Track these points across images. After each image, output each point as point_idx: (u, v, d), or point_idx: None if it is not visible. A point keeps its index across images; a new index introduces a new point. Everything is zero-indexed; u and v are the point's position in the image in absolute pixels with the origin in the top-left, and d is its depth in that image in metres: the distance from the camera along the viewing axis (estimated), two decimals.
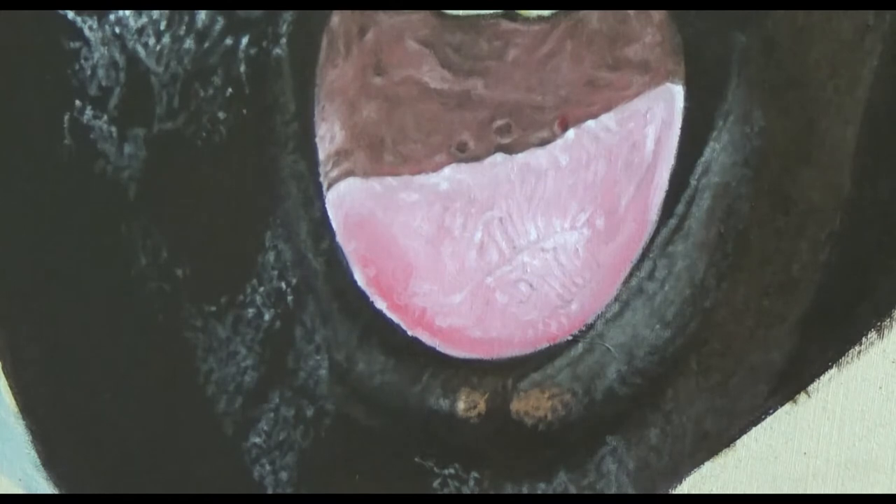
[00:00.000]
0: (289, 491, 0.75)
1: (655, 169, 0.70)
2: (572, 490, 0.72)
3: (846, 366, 0.70)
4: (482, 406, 0.72)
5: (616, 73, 0.71)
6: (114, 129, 0.74)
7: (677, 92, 0.70)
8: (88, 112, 0.74)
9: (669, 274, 0.70)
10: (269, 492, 0.75)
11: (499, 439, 0.72)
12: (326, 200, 0.73)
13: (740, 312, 0.71)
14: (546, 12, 0.71)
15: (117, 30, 0.74)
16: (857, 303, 0.70)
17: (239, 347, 0.75)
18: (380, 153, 0.73)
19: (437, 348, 0.72)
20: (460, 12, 0.72)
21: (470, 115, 0.72)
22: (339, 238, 0.73)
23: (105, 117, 0.74)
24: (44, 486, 0.78)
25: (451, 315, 0.72)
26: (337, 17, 0.73)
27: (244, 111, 0.74)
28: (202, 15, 0.73)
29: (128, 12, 0.73)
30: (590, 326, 0.71)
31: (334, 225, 0.73)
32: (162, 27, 0.73)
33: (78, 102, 0.74)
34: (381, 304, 0.73)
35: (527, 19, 0.71)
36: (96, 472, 0.78)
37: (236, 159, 0.74)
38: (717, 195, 0.70)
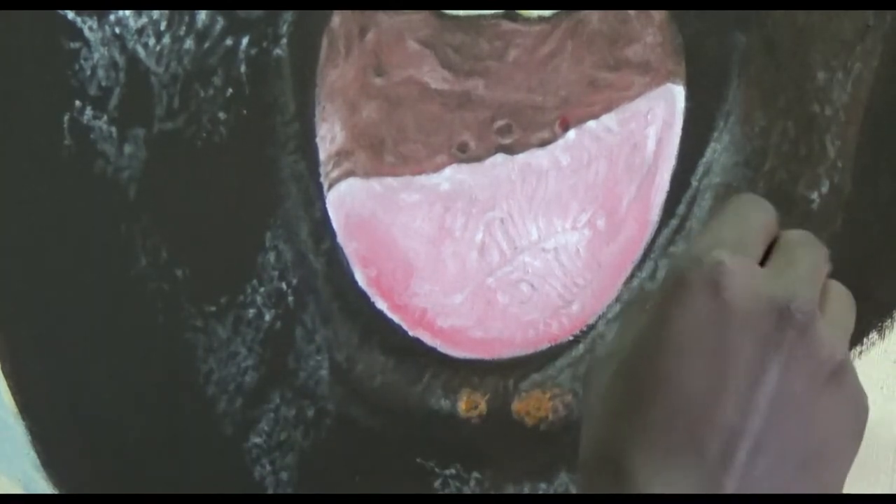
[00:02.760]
0: (289, 491, 0.75)
1: (657, 169, 0.70)
2: (573, 490, 0.72)
3: None
4: (483, 406, 0.72)
5: (617, 73, 0.71)
6: (114, 129, 0.74)
7: (678, 92, 0.70)
8: (88, 112, 0.74)
9: None
10: (270, 492, 0.75)
11: (500, 439, 0.72)
12: (327, 201, 0.73)
13: None
14: (546, 12, 0.71)
15: (117, 30, 0.74)
16: (858, 303, 0.70)
17: (239, 348, 0.75)
18: (380, 153, 0.73)
19: (438, 349, 0.72)
20: (461, 12, 0.71)
21: (471, 115, 0.72)
22: (340, 238, 0.73)
23: (105, 117, 0.74)
24: (44, 486, 0.78)
25: (452, 315, 0.72)
26: (337, 18, 0.73)
27: (244, 111, 0.74)
28: (202, 15, 0.73)
29: (128, 12, 0.73)
30: (591, 327, 0.71)
31: (335, 225, 0.73)
32: (162, 27, 0.73)
33: (78, 102, 0.74)
34: (381, 305, 0.73)
35: (527, 20, 0.71)
36: (96, 472, 0.78)
37: (236, 159, 0.74)
38: (718, 195, 0.70)
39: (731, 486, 0.49)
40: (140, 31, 0.73)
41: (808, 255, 0.53)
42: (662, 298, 0.51)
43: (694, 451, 0.49)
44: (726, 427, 0.49)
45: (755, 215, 0.54)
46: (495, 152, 0.72)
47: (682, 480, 0.49)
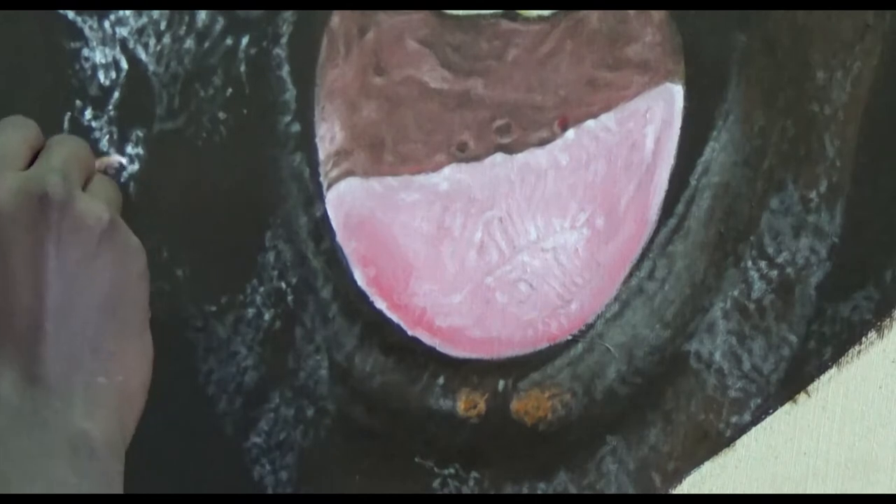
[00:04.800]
0: (289, 491, 0.75)
1: (655, 169, 0.70)
2: (572, 490, 0.72)
3: (846, 366, 0.70)
4: (482, 406, 0.72)
5: (616, 72, 0.71)
6: (114, 128, 0.74)
7: (677, 92, 0.70)
8: (88, 112, 0.74)
9: (669, 273, 0.70)
10: (269, 492, 0.75)
11: (499, 439, 0.72)
12: (326, 200, 0.73)
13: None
14: (546, 12, 0.71)
15: (117, 30, 0.74)
16: (857, 302, 0.70)
17: (239, 347, 0.75)
18: (380, 153, 0.73)
19: (438, 348, 0.72)
20: (460, 12, 0.72)
21: (470, 114, 0.72)
22: (339, 238, 0.73)
23: (105, 117, 0.74)
24: None
25: (451, 315, 0.72)
26: (337, 17, 0.73)
27: (244, 111, 0.74)
28: (202, 15, 0.73)
29: (128, 12, 0.74)
30: (590, 326, 0.71)
31: (334, 225, 0.73)
32: (162, 27, 0.73)
33: (78, 102, 0.74)
34: (381, 304, 0.73)
35: (527, 19, 0.71)
36: None
37: (236, 159, 0.74)
38: (717, 195, 0.70)
39: (49, 353, 0.60)
40: (140, 31, 0.74)
41: (60, 149, 0.64)
42: None
43: (9, 332, 0.60)
44: (26, 311, 0.60)
45: (13, 132, 0.64)
46: (494, 152, 0.72)
47: (6, 355, 0.60)
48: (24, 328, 0.60)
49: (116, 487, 0.61)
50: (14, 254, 0.60)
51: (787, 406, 0.71)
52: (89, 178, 0.65)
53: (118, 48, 0.74)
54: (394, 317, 0.73)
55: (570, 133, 0.71)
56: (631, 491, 0.72)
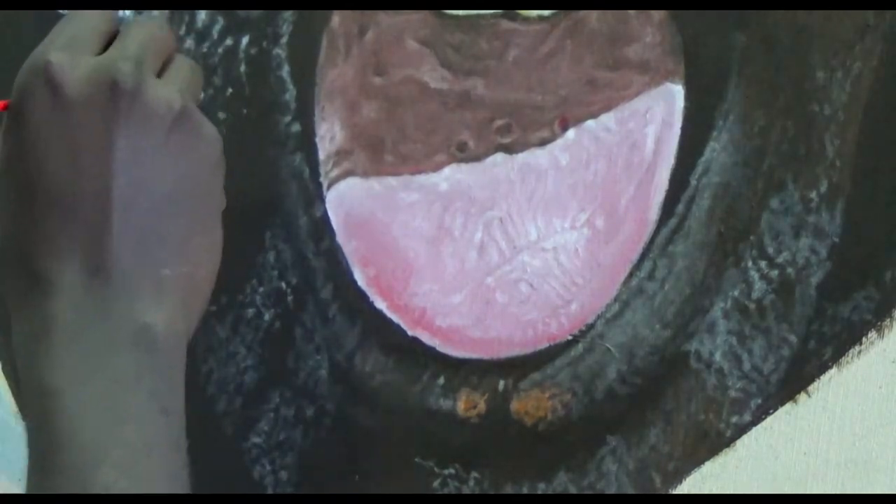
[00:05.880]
0: (289, 491, 0.75)
1: (655, 168, 0.70)
2: (572, 490, 0.72)
3: (846, 366, 0.70)
4: (482, 406, 0.72)
5: (616, 72, 0.71)
6: None
7: (677, 92, 0.70)
8: None
9: (669, 274, 0.70)
10: (269, 492, 0.75)
11: (499, 439, 0.72)
12: (326, 200, 0.73)
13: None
14: (546, 12, 0.71)
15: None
16: (857, 302, 0.70)
17: (239, 347, 0.75)
18: (380, 153, 0.73)
19: (437, 348, 0.72)
20: (460, 12, 0.72)
21: (470, 114, 0.72)
22: (339, 238, 0.73)
23: None
24: None
25: (451, 315, 0.72)
26: (337, 17, 0.73)
27: (244, 111, 0.74)
28: (202, 15, 0.73)
29: (128, 12, 0.74)
30: (590, 326, 0.71)
31: (334, 225, 0.73)
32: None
33: None
34: (381, 304, 0.73)
35: (526, 19, 0.71)
36: None
37: (236, 159, 0.74)
38: (717, 195, 0.70)
39: (114, 244, 0.59)
40: None
41: (136, 34, 0.62)
42: (15, 110, 0.60)
43: (76, 223, 0.59)
44: (92, 200, 0.59)
45: (87, 16, 0.63)
46: (494, 152, 0.72)
47: (73, 247, 0.59)
48: (90, 218, 0.59)
49: (178, 380, 0.61)
50: (83, 142, 0.59)
51: (787, 406, 0.71)
52: (169, 61, 0.63)
53: None
54: (394, 317, 0.73)
55: (571, 133, 0.71)
56: (631, 491, 0.72)
